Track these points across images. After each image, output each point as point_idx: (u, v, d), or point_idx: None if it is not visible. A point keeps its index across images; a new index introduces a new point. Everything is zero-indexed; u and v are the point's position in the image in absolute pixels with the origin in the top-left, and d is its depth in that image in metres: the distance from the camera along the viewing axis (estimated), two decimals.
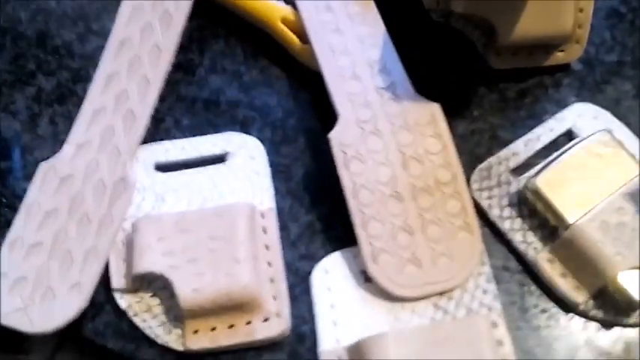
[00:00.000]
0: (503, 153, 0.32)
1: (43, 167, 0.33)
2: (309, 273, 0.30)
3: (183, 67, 0.36)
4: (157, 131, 0.35)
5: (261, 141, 0.34)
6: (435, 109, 0.31)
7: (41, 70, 0.37)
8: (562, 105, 0.34)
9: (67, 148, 0.33)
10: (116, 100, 0.34)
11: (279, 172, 0.33)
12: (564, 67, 0.35)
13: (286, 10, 0.35)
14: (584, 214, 0.28)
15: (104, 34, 0.37)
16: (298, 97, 0.35)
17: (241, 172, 0.32)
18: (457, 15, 0.33)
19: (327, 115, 0.33)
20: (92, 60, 0.37)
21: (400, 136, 0.30)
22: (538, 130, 0.33)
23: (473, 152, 0.33)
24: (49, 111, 0.36)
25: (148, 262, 0.28)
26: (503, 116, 0.34)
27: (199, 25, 0.37)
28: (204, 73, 0.36)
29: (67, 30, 0.38)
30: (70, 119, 0.35)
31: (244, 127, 0.35)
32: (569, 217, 0.29)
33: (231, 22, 0.37)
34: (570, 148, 0.31)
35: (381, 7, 0.35)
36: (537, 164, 0.31)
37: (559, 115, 0.33)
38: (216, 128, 0.35)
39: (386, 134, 0.31)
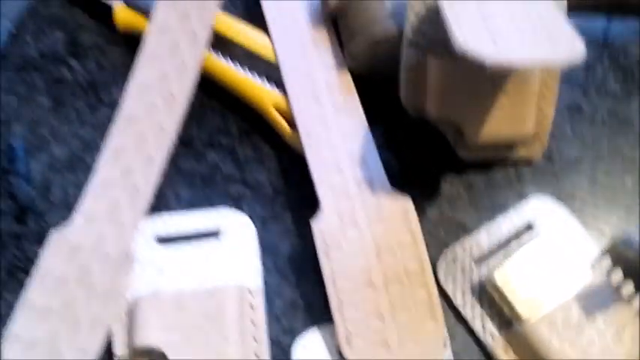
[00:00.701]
0: (467, 242, 0.36)
1: (55, 236, 0.36)
2: (291, 346, 0.34)
3: (182, 142, 0.40)
4: (158, 203, 0.38)
5: (252, 217, 0.37)
6: (407, 204, 0.35)
7: (54, 138, 0.40)
8: (523, 196, 0.38)
9: (77, 219, 0.37)
10: (122, 175, 0.38)
11: (267, 248, 0.37)
12: (527, 161, 0.39)
13: (278, 97, 0.39)
14: (537, 311, 0.32)
15: (113, 105, 0.40)
16: (287, 175, 0.39)
17: (233, 249, 0.36)
18: (430, 116, 0.36)
19: (312, 195, 0.36)
20: (101, 130, 0.40)
21: (375, 228, 0.34)
22: (500, 220, 0.36)
23: (441, 238, 0.37)
24: (60, 179, 0.39)
25: (147, 337, 0.32)
26: (470, 205, 0.38)
27: (198, 101, 0.41)
28: (201, 148, 0.40)
29: (79, 99, 0.42)
30: (79, 187, 0.38)
31: (237, 202, 0.38)
32: (523, 312, 0.33)
33: (228, 98, 0.41)
34: (527, 242, 0.35)
35: (363, 101, 0.38)
36: (499, 253, 0.35)
37: (519, 207, 0.37)
38: (211, 201, 0.38)
39: (363, 225, 0.34)
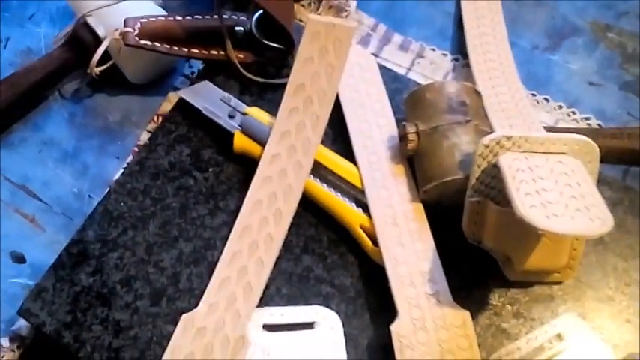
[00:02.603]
0: (510, 347, 0.46)
1: (184, 318, 0.46)
2: None
3: (283, 246, 0.50)
4: (263, 296, 0.48)
5: (338, 312, 0.47)
6: (466, 316, 0.45)
7: (182, 236, 0.51)
8: (555, 311, 0.47)
9: (202, 306, 0.47)
10: (238, 273, 0.48)
11: (349, 340, 0.47)
12: (560, 283, 0.48)
13: (364, 218, 0.49)
14: None
15: (228, 212, 0.51)
16: (367, 281, 0.49)
17: (324, 339, 0.46)
18: (485, 245, 0.46)
19: (386, 300, 0.46)
20: (219, 232, 0.51)
21: (440, 333, 0.44)
22: (536, 332, 0.46)
23: (488, 343, 0.46)
24: (187, 270, 0.50)
25: None
26: (512, 317, 0.47)
27: (296, 213, 0.51)
28: (298, 252, 0.50)
29: (201, 205, 0.52)
30: (201, 278, 0.49)
31: (326, 300, 0.48)
32: None
33: (320, 213, 0.51)
34: (557, 353, 0.44)
35: (432, 228, 0.49)
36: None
37: (552, 321, 0.46)
38: (306, 299, 0.48)
39: (430, 331, 0.44)
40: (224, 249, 0.48)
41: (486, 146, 0.44)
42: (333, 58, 0.52)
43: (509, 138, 0.44)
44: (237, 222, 0.49)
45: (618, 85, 0.60)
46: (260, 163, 0.50)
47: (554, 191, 0.41)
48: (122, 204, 0.52)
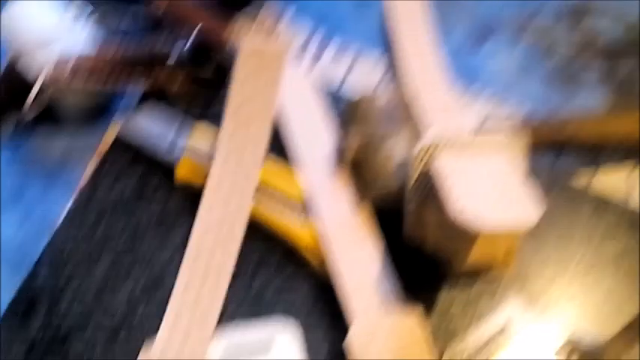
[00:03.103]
0: (461, 344, 0.48)
1: (143, 354, 0.46)
2: None
3: (236, 268, 0.50)
4: (220, 320, 0.49)
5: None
6: (417, 319, 0.46)
7: (133, 271, 0.51)
8: (501, 305, 0.50)
9: (159, 340, 0.47)
10: (193, 303, 0.48)
11: (308, 355, 0.48)
12: (501, 275, 0.51)
13: (309, 233, 0.50)
14: None
15: (178, 242, 0.52)
16: (321, 296, 0.50)
17: (285, 351, 0.47)
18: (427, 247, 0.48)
19: (339, 313, 0.48)
20: (170, 264, 0.51)
21: (394, 340, 0.45)
22: (485, 326, 0.48)
23: (438, 343, 0.48)
24: (142, 306, 0.50)
25: None
26: (459, 314, 0.50)
27: (245, 235, 0.52)
28: (250, 274, 0.51)
29: (149, 238, 0.53)
30: (157, 312, 0.49)
31: (281, 318, 0.50)
32: None
33: (269, 231, 0.52)
34: (504, 341, 0.47)
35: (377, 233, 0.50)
36: (483, 352, 0.47)
37: (499, 314, 0.49)
38: (262, 318, 0.49)
39: (384, 338, 0.45)
40: (176, 280, 0.49)
41: (419, 152, 0.46)
42: (268, 80, 0.53)
43: (439, 142, 0.46)
44: (187, 251, 0.50)
45: (541, 76, 0.63)
46: (205, 190, 0.51)
47: (484, 190, 0.43)
48: (67, 246, 0.52)
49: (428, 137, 0.46)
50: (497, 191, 0.43)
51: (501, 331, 0.48)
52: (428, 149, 0.45)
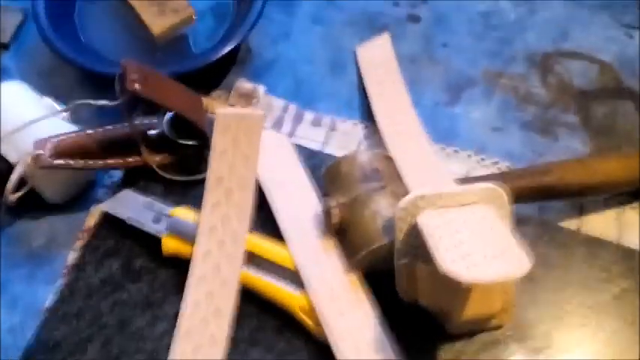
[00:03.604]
0: None
1: None
2: None
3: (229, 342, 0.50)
4: None
5: None
6: None
7: (124, 353, 0.50)
8: (503, 357, 0.49)
9: None
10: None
11: None
12: (500, 327, 0.50)
13: (302, 299, 0.49)
14: None
15: (168, 318, 0.50)
16: None
17: None
18: (422, 303, 0.48)
19: None
20: (161, 341, 0.50)
21: None
22: None
23: None
24: None
25: None
26: None
27: (237, 307, 0.51)
28: (245, 347, 0.50)
29: (139, 317, 0.52)
30: None
31: None
32: None
33: (261, 301, 0.51)
34: None
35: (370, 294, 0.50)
36: None
37: None
38: None
39: None
40: (168, 358, 0.48)
41: (403, 209, 0.45)
42: (246, 148, 0.53)
43: (423, 197, 0.45)
44: (177, 328, 0.49)
45: (519, 126, 0.64)
46: (191, 263, 0.51)
47: (471, 242, 0.42)
48: (57, 331, 0.51)
49: (412, 192, 0.46)
50: (485, 242, 0.43)
51: None
52: (413, 204, 0.45)
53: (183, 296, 0.49)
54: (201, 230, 0.51)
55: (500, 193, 0.46)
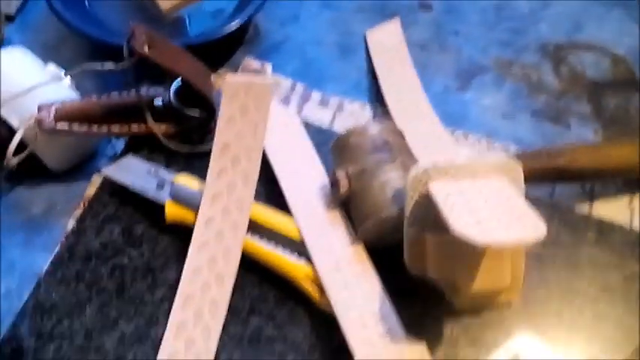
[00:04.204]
0: None
1: None
2: None
3: (230, 310, 0.48)
4: None
5: None
6: (423, 351, 0.44)
7: (122, 317, 0.49)
8: (508, 332, 0.47)
9: None
10: (186, 345, 0.46)
11: None
12: (508, 304, 0.49)
13: (307, 269, 0.48)
14: None
15: (168, 284, 0.49)
16: (320, 333, 0.48)
17: None
18: (430, 276, 0.46)
19: (341, 348, 0.45)
20: (160, 307, 0.49)
21: None
22: (493, 356, 0.46)
23: None
24: (132, 351, 0.47)
25: None
26: (467, 345, 0.47)
27: (238, 275, 0.50)
28: (246, 315, 0.49)
29: (139, 282, 0.50)
30: (147, 357, 0.46)
31: (281, 357, 0.47)
32: None
33: (263, 270, 0.50)
34: None
35: (376, 266, 0.48)
36: None
37: (507, 344, 0.46)
38: (259, 358, 0.47)
39: None
40: (168, 322, 0.46)
41: (415, 177, 0.44)
42: (254, 115, 0.52)
43: (435, 167, 0.44)
44: (178, 292, 0.47)
45: (530, 113, 0.63)
46: (195, 229, 0.49)
47: (485, 209, 0.41)
48: (53, 293, 0.49)
49: (424, 161, 0.45)
50: (498, 209, 0.41)
51: None
52: (425, 172, 0.44)
53: (186, 261, 0.48)
54: (206, 196, 0.50)
55: (515, 165, 0.45)
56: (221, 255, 0.48)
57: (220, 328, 0.46)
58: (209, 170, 0.51)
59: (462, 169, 0.45)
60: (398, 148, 0.51)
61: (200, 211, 0.50)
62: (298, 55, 0.67)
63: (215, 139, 0.51)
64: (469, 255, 0.44)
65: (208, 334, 0.46)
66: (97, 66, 0.55)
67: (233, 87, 0.52)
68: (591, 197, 0.56)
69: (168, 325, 0.46)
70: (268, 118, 0.52)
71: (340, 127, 0.62)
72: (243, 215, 0.50)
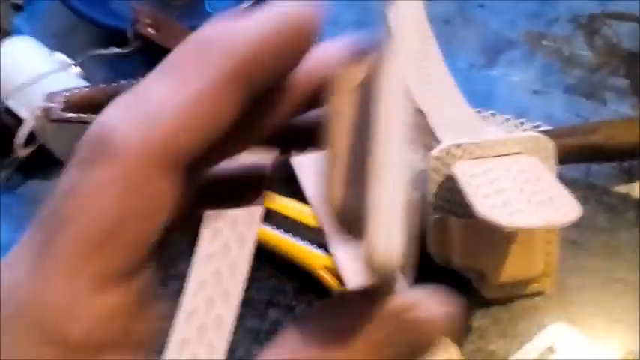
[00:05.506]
0: None
1: None
2: None
3: (246, 304, 0.46)
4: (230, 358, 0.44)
5: None
6: (450, 343, 0.41)
7: None
8: (541, 323, 0.44)
9: None
10: (198, 333, 0.43)
11: None
12: (541, 293, 0.45)
13: (326, 259, 0.46)
14: None
15: (181, 276, 0.47)
16: None
17: None
18: (455, 264, 0.44)
19: None
20: (173, 300, 0.47)
21: None
22: (526, 348, 0.43)
23: None
24: None
25: None
26: (498, 336, 0.44)
27: (254, 266, 0.47)
28: (263, 307, 0.47)
29: None
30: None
31: None
32: None
33: (280, 261, 0.48)
34: None
35: None
36: None
37: (541, 335, 0.43)
38: None
39: None
40: (178, 310, 0.44)
41: (437, 158, 0.41)
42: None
43: (458, 146, 0.41)
44: (190, 279, 0.45)
45: (562, 89, 0.59)
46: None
47: (513, 189, 0.38)
48: None
49: (447, 141, 0.42)
50: (527, 190, 0.38)
51: (546, 352, 0.42)
52: (448, 153, 0.41)
53: (197, 249, 0.46)
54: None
55: (546, 142, 0.42)
56: (235, 242, 0.46)
57: (233, 318, 0.42)
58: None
59: (487, 148, 0.42)
60: (418, 129, 0.48)
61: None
62: None
63: None
64: (496, 241, 0.41)
65: (220, 324, 0.43)
66: (103, 51, 0.53)
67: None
68: (629, 177, 0.52)
69: (179, 312, 0.44)
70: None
71: None
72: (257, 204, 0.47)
